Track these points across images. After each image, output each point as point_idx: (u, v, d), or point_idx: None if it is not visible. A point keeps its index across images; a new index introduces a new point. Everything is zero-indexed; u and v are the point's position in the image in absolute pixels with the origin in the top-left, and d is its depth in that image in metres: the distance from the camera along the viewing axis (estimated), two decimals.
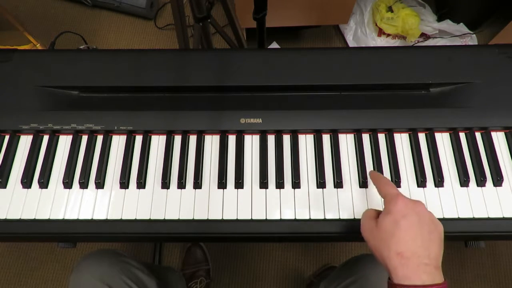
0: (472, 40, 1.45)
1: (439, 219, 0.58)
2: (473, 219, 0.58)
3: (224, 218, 0.59)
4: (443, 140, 0.64)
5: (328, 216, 0.59)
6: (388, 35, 1.46)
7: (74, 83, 0.67)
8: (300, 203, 0.60)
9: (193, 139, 0.65)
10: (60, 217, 0.60)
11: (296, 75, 0.66)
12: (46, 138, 0.65)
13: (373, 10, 1.47)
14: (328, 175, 0.62)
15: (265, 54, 0.69)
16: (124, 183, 0.61)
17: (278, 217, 0.59)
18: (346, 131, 0.65)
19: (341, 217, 0.59)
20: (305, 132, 0.65)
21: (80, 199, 0.61)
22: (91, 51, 0.78)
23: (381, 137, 0.64)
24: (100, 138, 0.65)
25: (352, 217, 0.59)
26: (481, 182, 0.60)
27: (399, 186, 0.61)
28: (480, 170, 0.61)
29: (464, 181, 0.60)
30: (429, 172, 0.61)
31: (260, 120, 0.64)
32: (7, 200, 0.61)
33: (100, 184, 0.61)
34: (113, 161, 0.64)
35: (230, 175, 0.62)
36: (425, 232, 0.46)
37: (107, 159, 0.64)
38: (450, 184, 0.61)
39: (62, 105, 0.66)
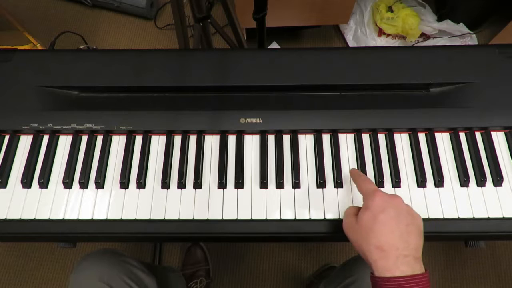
0: (472, 40, 1.45)
1: (439, 219, 0.58)
2: (473, 219, 0.58)
3: (224, 218, 0.59)
4: (443, 140, 0.64)
5: (328, 216, 0.59)
6: (388, 35, 1.46)
7: (74, 83, 0.67)
8: (300, 203, 0.60)
9: (193, 139, 0.65)
10: (60, 217, 0.60)
11: (296, 75, 0.66)
12: (46, 138, 0.65)
13: (373, 10, 1.47)
14: (328, 175, 0.62)
15: (265, 54, 0.69)
16: (124, 183, 0.61)
17: (278, 217, 0.59)
18: (346, 131, 0.65)
19: (341, 217, 0.59)
20: (305, 132, 0.65)
21: (80, 199, 0.61)
22: (91, 51, 0.78)
23: (381, 137, 0.64)
24: (100, 138, 0.65)
25: None
26: (481, 182, 0.60)
27: (399, 186, 0.61)
28: (480, 170, 0.61)
29: (464, 181, 0.60)
30: (429, 172, 0.61)
31: (260, 120, 0.64)
32: (7, 200, 0.61)
33: (100, 184, 0.61)
34: (113, 161, 0.64)
35: (230, 175, 0.62)
36: (402, 224, 0.47)
37: (107, 159, 0.64)
38: (450, 184, 0.61)
39: (62, 105, 0.66)
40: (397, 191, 0.60)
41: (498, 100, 0.64)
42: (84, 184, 0.61)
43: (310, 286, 1.18)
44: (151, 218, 0.59)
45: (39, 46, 1.37)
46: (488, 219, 0.58)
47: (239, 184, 0.61)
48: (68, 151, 0.64)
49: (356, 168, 0.62)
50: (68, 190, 0.62)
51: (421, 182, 0.60)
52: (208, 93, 0.67)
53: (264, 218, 0.59)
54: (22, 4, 1.66)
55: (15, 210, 0.60)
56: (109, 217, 0.59)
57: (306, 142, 0.64)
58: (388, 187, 0.61)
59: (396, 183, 0.60)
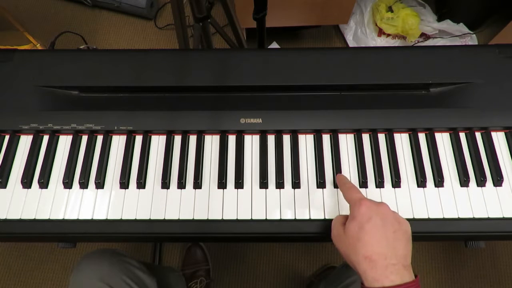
0: (472, 40, 1.45)
1: (439, 219, 0.58)
2: (473, 219, 0.58)
3: (224, 218, 0.59)
4: (443, 140, 0.64)
5: (328, 216, 0.59)
6: (388, 35, 1.46)
7: (74, 83, 0.67)
8: (300, 203, 0.60)
9: (193, 139, 0.65)
10: (60, 217, 0.60)
11: (296, 75, 0.66)
12: (46, 138, 0.65)
13: (373, 10, 1.46)
14: (328, 175, 0.62)
15: (265, 54, 0.69)
16: (124, 183, 0.61)
17: (278, 217, 0.59)
18: (346, 131, 0.65)
19: None
20: (305, 132, 0.65)
21: (80, 199, 0.61)
22: (91, 51, 0.78)
23: (381, 137, 0.64)
24: (100, 138, 0.65)
25: None
26: (481, 182, 0.60)
27: (399, 186, 0.61)
28: (480, 170, 0.61)
29: (464, 181, 0.60)
30: (429, 172, 0.61)
31: (260, 120, 0.64)
32: (7, 200, 0.61)
33: (100, 184, 0.61)
34: (113, 161, 0.64)
35: (230, 175, 0.62)
36: (389, 232, 0.47)
37: (107, 159, 0.64)
38: (450, 184, 0.61)
39: (62, 105, 0.66)
40: (397, 191, 0.60)
41: (498, 100, 0.64)
42: (84, 184, 0.61)
43: (310, 286, 1.18)
44: (151, 218, 0.59)
45: (39, 46, 1.37)
46: (488, 219, 0.58)
47: (239, 184, 0.61)
48: (68, 151, 0.64)
49: (358, 167, 0.62)
50: (68, 190, 0.62)
51: (421, 182, 0.60)
52: (208, 93, 0.67)
53: (264, 218, 0.59)
54: (22, 4, 1.66)
55: (15, 210, 0.60)
56: (109, 217, 0.59)
57: (306, 142, 0.64)
58: (388, 187, 0.61)
59: (396, 183, 0.60)
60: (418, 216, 0.58)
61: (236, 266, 1.24)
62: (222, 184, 0.61)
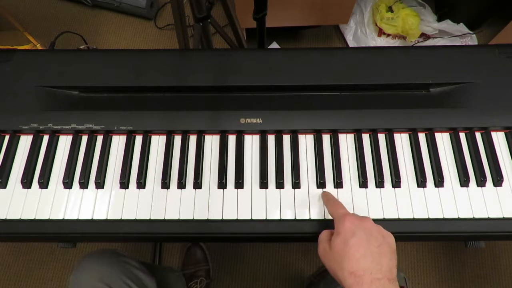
0: (472, 40, 1.45)
1: (439, 219, 0.58)
2: (473, 219, 0.58)
3: (224, 218, 0.59)
4: (443, 140, 0.64)
5: (328, 217, 0.59)
6: (388, 35, 1.46)
7: (74, 83, 0.67)
8: (300, 203, 0.60)
9: (193, 139, 0.65)
10: (60, 217, 0.60)
11: (296, 75, 0.66)
12: (46, 138, 0.65)
13: (373, 10, 1.46)
14: (328, 175, 0.62)
15: (265, 54, 0.69)
16: (124, 183, 0.61)
17: (278, 217, 0.59)
18: (346, 131, 0.65)
19: None
20: (305, 132, 0.65)
21: (80, 199, 0.61)
22: (91, 51, 0.78)
23: (381, 137, 0.64)
24: (100, 138, 0.65)
25: None
26: (481, 182, 0.60)
27: (399, 186, 0.61)
28: (480, 170, 0.61)
29: (464, 181, 0.60)
30: (429, 172, 0.61)
31: (260, 120, 0.64)
32: (7, 200, 0.61)
33: (100, 184, 0.61)
34: (113, 161, 0.64)
35: (230, 175, 0.62)
36: (374, 246, 0.47)
37: (107, 159, 0.64)
38: (450, 184, 0.61)
39: (62, 105, 0.66)
40: (397, 191, 0.60)
41: (498, 100, 0.64)
42: (84, 184, 0.61)
43: (310, 286, 1.18)
44: (151, 218, 0.59)
45: (39, 46, 1.37)
46: (488, 219, 0.58)
47: (239, 184, 0.61)
48: (68, 151, 0.64)
49: (358, 167, 0.62)
50: (68, 190, 0.62)
51: (421, 182, 0.60)
52: (208, 93, 0.67)
53: (264, 218, 0.59)
54: (22, 4, 1.66)
55: (15, 210, 0.60)
56: (109, 217, 0.59)
57: (306, 142, 0.64)
58: (388, 187, 0.61)
59: (396, 183, 0.60)
60: (418, 216, 0.58)
61: (236, 266, 1.24)
62: (222, 184, 0.61)
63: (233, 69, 0.67)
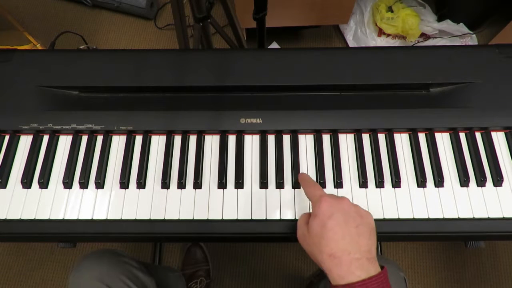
0: (472, 40, 1.45)
1: (439, 219, 0.58)
2: (473, 219, 0.58)
3: (224, 218, 0.59)
4: (443, 140, 0.64)
5: None
6: (388, 35, 1.46)
7: (74, 83, 0.67)
8: (300, 203, 0.60)
9: (193, 139, 0.65)
10: (60, 217, 0.60)
11: (296, 75, 0.66)
12: (46, 138, 0.65)
13: (373, 10, 1.46)
14: (328, 175, 0.62)
15: (265, 54, 0.69)
16: (124, 183, 0.61)
17: (278, 217, 0.59)
18: (346, 131, 0.65)
19: None
20: (305, 132, 0.65)
21: (80, 199, 0.61)
22: (91, 51, 0.78)
23: (381, 137, 0.64)
24: (100, 138, 0.65)
25: None
26: (481, 182, 0.60)
27: (399, 186, 0.61)
28: (480, 170, 0.61)
29: (464, 181, 0.60)
30: (429, 172, 0.61)
31: (260, 120, 0.64)
32: (7, 200, 0.61)
33: (100, 184, 0.61)
34: (113, 161, 0.64)
35: (230, 175, 0.62)
36: (351, 227, 0.46)
37: (107, 159, 0.64)
38: (450, 184, 0.61)
39: (62, 105, 0.66)
40: (397, 191, 0.60)
41: (498, 100, 0.64)
42: (84, 184, 0.61)
43: (310, 286, 1.18)
44: (151, 218, 0.59)
45: (39, 46, 1.37)
46: (488, 219, 0.58)
47: (239, 184, 0.61)
48: (68, 151, 0.64)
49: (358, 167, 0.62)
50: (68, 190, 0.62)
51: (421, 182, 0.60)
52: (208, 93, 0.67)
53: (264, 218, 0.59)
54: (22, 4, 1.66)
55: (15, 210, 0.60)
56: (109, 217, 0.59)
57: (306, 142, 0.64)
58: (388, 187, 0.61)
59: (396, 183, 0.60)
60: (418, 216, 0.58)
61: (236, 266, 1.24)
62: (222, 184, 0.61)
63: (233, 69, 0.67)
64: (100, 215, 0.60)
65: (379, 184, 0.61)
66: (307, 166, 0.62)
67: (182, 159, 0.62)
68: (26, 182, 0.61)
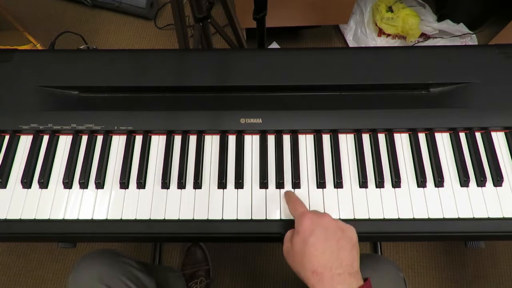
0: (472, 40, 1.45)
1: (439, 219, 0.58)
2: (473, 219, 0.58)
3: (224, 218, 0.59)
4: (443, 140, 0.64)
5: None
6: (388, 35, 1.46)
7: (74, 83, 0.67)
8: None
9: (193, 139, 0.65)
10: (60, 217, 0.60)
11: (296, 75, 0.66)
12: (46, 138, 0.65)
13: (373, 10, 1.47)
14: (328, 175, 0.62)
15: (265, 54, 0.70)
16: (124, 183, 0.61)
17: (278, 217, 0.59)
18: (346, 131, 0.65)
19: (341, 217, 0.59)
20: (305, 132, 0.65)
21: (80, 199, 0.61)
22: (91, 51, 0.78)
23: (381, 137, 0.64)
24: (100, 138, 0.65)
25: (352, 217, 0.59)
26: (481, 182, 0.60)
27: (399, 186, 0.61)
28: (480, 170, 0.61)
29: (464, 181, 0.60)
30: (429, 172, 0.61)
31: (260, 120, 0.64)
32: (7, 200, 0.61)
33: (100, 184, 0.61)
34: (113, 161, 0.64)
35: (230, 175, 0.62)
36: (332, 242, 0.47)
37: (107, 159, 0.64)
38: (450, 184, 0.61)
39: (62, 105, 0.66)
40: (397, 191, 0.60)
41: (498, 100, 0.64)
42: (84, 184, 0.61)
43: None
44: (151, 218, 0.59)
45: (39, 46, 1.37)
46: (488, 219, 0.58)
47: (239, 184, 0.61)
48: (68, 151, 0.64)
49: (358, 167, 0.62)
50: (68, 190, 0.62)
51: (421, 182, 0.60)
52: (208, 93, 0.67)
53: (264, 218, 0.59)
54: (22, 4, 1.66)
55: (15, 210, 0.60)
56: (109, 217, 0.59)
57: (306, 142, 0.64)
58: (388, 187, 0.61)
59: (396, 183, 0.60)
60: (418, 216, 0.58)
61: (236, 266, 1.24)
62: (222, 184, 0.61)
63: (233, 69, 0.67)
64: (100, 215, 0.60)
65: (379, 184, 0.61)
66: (307, 166, 0.62)
67: (182, 159, 0.62)
68: (26, 182, 0.61)
